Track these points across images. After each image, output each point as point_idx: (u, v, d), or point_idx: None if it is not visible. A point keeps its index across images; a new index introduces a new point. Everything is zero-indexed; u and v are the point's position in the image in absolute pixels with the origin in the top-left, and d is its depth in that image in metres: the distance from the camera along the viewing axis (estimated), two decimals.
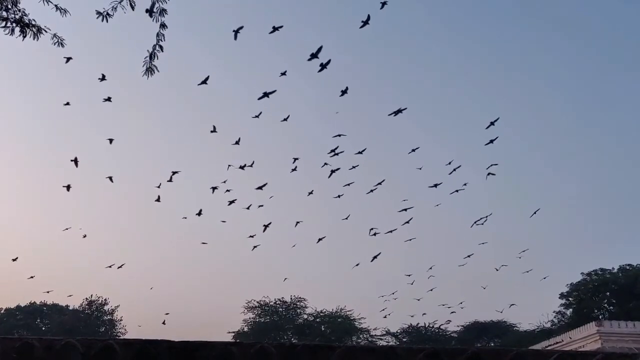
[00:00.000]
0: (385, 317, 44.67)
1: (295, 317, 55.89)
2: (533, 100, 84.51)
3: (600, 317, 43.96)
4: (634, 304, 44.04)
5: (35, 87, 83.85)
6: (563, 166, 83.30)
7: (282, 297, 55.08)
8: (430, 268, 37.71)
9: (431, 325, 54.53)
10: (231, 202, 27.34)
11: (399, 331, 55.23)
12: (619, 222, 77.90)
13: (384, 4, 18.32)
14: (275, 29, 18.83)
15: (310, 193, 29.31)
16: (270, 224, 28.83)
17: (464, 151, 75.64)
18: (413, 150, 27.10)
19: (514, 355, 2.95)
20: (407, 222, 29.29)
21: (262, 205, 28.71)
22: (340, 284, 72.36)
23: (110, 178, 27.18)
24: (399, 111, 23.47)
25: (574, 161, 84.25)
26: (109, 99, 22.27)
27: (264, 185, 27.11)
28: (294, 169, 26.94)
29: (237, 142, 25.32)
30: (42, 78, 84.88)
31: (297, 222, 30.85)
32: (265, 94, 21.86)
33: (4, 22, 6.99)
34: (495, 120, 24.03)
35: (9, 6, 6.94)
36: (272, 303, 54.97)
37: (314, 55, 18.89)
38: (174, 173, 26.33)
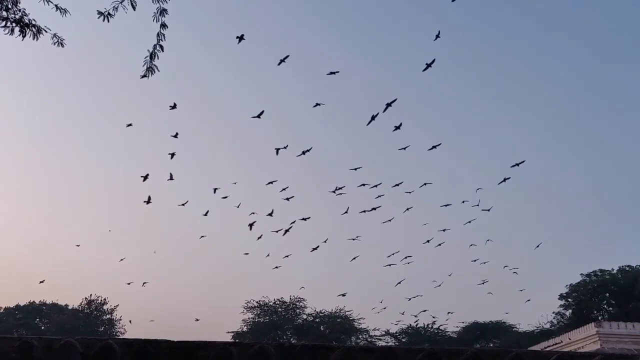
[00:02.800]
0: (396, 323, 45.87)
1: (295, 317, 55.87)
2: (532, 99, 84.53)
3: (600, 318, 43.94)
4: (634, 305, 44.05)
5: (36, 87, 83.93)
6: (562, 166, 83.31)
7: (282, 297, 55.15)
8: (439, 285, 38.43)
9: (430, 326, 54.54)
10: (286, 231, 27.64)
11: (398, 331, 55.24)
12: (619, 222, 77.93)
13: (437, 36, 18.99)
14: (282, 61, 19.43)
15: (346, 212, 29.75)
16: (317, 247, 29.83)
17: (463, 153, 75.70)
18: (425, 184, 28.53)
19: (513, 356, 2.96)
20: (439, 245, 30.76)
21: (293, 225, 28.61)
22: (340, 284, 72.39)
23: (171, 175, 25.76)
24: (434, 147, 24.91)
25: (573, 161, 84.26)
26: (176, 135, 22.81)
27: (307, 218, 27.99)
28: (337, 192, 27.49)
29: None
30: (43, 78, 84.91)
31: (325, 240, 31.80)
32: (304, 152, 23.52)
33: (4, 22, 6.99)
34: (521, 162, 25.38)
35: (9, 6, 6.94)
36: (271, 303, 54.97)
37: (388, 105, 19.78)
38: (217, 191, 26.26)
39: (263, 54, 73.90)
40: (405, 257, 32.34)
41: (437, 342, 51.59)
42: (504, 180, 26.25)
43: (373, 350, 3.21)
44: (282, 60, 19.31)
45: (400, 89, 79.62)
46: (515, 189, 79.44)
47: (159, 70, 7.22)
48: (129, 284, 34.05)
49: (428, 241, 30.88)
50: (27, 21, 7.05)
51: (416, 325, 54.01)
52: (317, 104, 22.37)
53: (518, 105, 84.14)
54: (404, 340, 54.62)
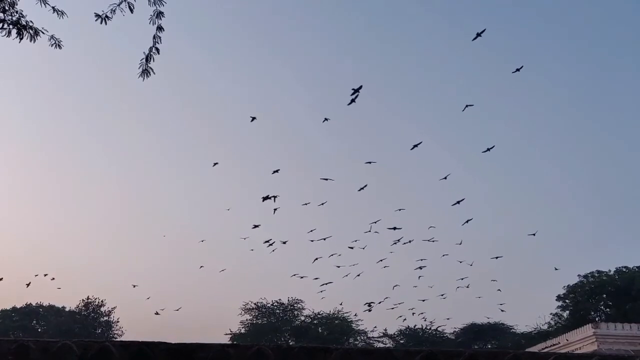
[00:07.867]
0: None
1: (293, 319, 55.84)
2: (532, 98, 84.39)
3: (597, 319, 43.99)
4: (630, 306, 44.12)
5: (32, 88, 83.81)
6: (560, 167, 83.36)
7: (279, 299, 55.12)
8: (443, 295, 38.98)
9: (428, 327, 54.61)
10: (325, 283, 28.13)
11: (396, 333, 55.25)
12: (616, 223, 78.03)
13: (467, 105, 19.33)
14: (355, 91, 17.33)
15: (366, 248, 30.76)
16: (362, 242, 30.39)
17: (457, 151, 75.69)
18: (429, 229, 29.11)
19: (510, 358, 2.96)
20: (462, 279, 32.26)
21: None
22: (339, 285, 72.21)
23: (273, 198, 22.68)
24: (458, 202, 24.82)
25: (571, 161, 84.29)
26: (277, 171, 22.45)
27: (359, 274, 28.40)
28: (369, 231, 28.13)
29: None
30: (39, 79, 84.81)
31: (351, 267, 32.19)
32: (323, 202, 24.70)
33: (1, 24, 6.98)
34: (492, 147, 24.51)
35: (6, 8, 6.93)
36: (269, 305, 54.94)
37: (444, 178, 20.28)
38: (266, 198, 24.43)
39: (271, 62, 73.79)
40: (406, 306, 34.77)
41: (435, 344, 51.60)
42: (497, 257, 29.87)
43: (371, 352, 3.21)
44: (356, 91, 16.80)
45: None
46: (513, 189, 79.59)
47: (154, 73, 7.22)
48: (157, 313, 33.45)
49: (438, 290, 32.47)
50: (24, 23, 7.04)
51: (414, 326, 54.07)
52: (369, 162, 23.23)
53: (517, 103, 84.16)
54: (402, 341, 54.63)
